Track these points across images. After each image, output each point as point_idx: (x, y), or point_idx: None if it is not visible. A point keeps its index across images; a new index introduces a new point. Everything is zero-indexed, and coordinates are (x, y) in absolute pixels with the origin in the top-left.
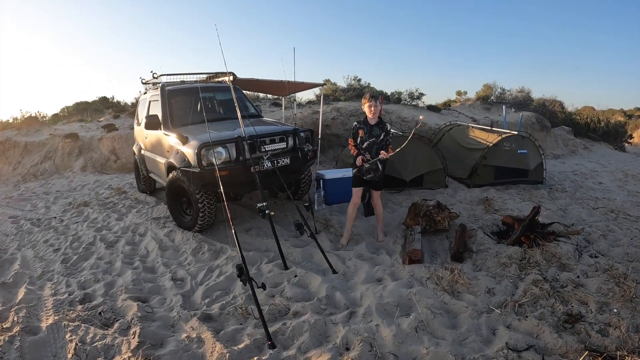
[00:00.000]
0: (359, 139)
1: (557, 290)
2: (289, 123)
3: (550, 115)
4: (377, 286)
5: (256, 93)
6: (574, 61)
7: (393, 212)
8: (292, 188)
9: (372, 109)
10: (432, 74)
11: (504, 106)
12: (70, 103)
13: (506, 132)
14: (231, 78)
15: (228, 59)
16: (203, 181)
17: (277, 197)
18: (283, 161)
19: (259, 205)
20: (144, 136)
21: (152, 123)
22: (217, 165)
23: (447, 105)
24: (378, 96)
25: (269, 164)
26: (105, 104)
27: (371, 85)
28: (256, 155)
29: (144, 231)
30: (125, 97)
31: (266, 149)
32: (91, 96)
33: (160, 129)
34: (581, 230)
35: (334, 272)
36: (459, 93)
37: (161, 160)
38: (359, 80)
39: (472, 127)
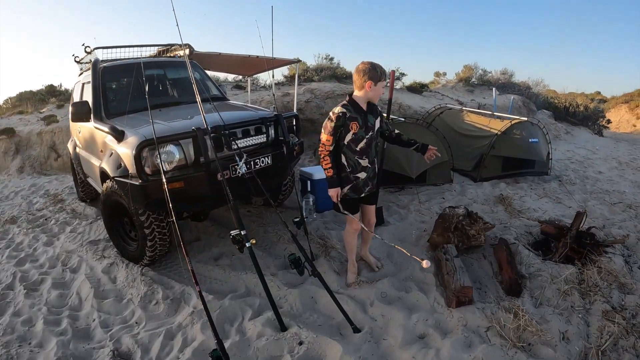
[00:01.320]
0: (349, 137)
1: (633, 324)
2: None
3: (536, 98)
4: (425, 351)
5: (216, 74)
6: (541, 44)
7: (403, 220)
8: (269, 193)
9: (382, 92)
10: (406, 53)
11: (494, 89)
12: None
13: (514, 118)
14: (187, 52)
15: (184, 33)
16: (147, 198)
17: (251, 204)
18: (263, 161)
19: (233, 233)
20: (77, 130)
21: (79, 112)
22: (166, 172)
23: (422, 86)
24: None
25: (245, 168)
26: (52, 92)
27: (341, 65)
28: (224, 154)
29: (77, 264)
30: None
31: (239, 144)
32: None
33: (90, 121)
34: (626, 237)
35: (356, 330)
36: (437, 74)
37: (96, 163)
38: (331, 59)
39: (467, 111)
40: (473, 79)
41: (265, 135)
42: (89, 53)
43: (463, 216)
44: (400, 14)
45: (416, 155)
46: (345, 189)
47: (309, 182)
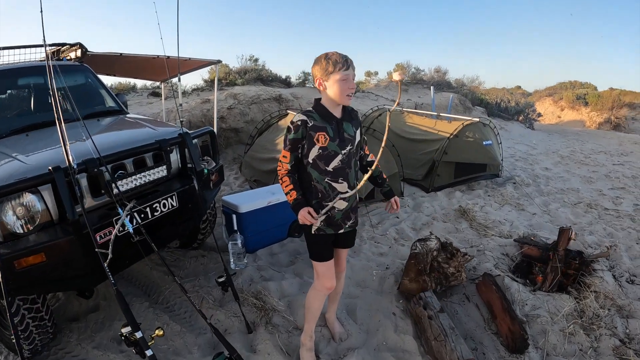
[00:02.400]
0: (315, 152)
1: None
2: (171, 122)
3: (472, 96)
4: None
5: (131, 81)
6: (464, 40)
7: (357, 255)
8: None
9: (352, 84)
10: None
11: (431, 87)
12: None
13: (464, 119)
14: (78, 53)
15: (79, 28)
16: None
17: (165, 247)
18: (165, 205)
19: (124, 332)
20: None
21: None
22: (23, 235)
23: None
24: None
25: (131, 224)
26: None
27: (267, 67)
28: (100, 202)
29: None
30: None
31: (124, 186)
32: None
33: None
34: (610, 248)
35: None
36: (368, 74)
37: None
38: (256, 60)
39: (407, 112)
40: (406, 78)
41: (164, 164)
42: None
43: (437, 250)
44: (322, 12)
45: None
46: (318, 221)
47: (234, 216)
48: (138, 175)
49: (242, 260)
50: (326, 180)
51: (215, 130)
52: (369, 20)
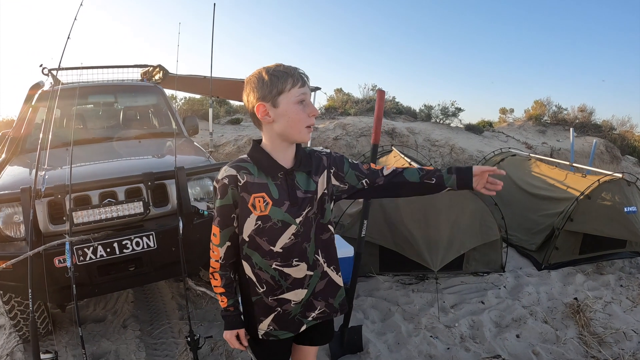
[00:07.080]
0: (251, 225)
1: None
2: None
3: (621, 142)
4: None
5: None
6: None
7: (398, 347)
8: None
9: (312, 108)
10: (467, 86)
11: (571, 129)
12: None
13: (602, 174)
14: (160, 75)
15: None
16: None
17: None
18: (139, 244)
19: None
20: None
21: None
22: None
23: (490, 125)
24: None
25: (70, 260)
26: None
27: (396, 100)
28: (59, 231)
29: None
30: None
31: (82, 217)
32: None
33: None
34: None
35: None
36: (503, 111)
37: None
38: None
39: (536, 158)
40: (545, 117)
41: (142, 202)
42: (47, 75)
43: None
44: (452, 42)
45: (443, 233)
46: (265, 324)
47: None
48: (103, 210)
49: None
50: (274, 265)
51: None
52: (502, 55)
